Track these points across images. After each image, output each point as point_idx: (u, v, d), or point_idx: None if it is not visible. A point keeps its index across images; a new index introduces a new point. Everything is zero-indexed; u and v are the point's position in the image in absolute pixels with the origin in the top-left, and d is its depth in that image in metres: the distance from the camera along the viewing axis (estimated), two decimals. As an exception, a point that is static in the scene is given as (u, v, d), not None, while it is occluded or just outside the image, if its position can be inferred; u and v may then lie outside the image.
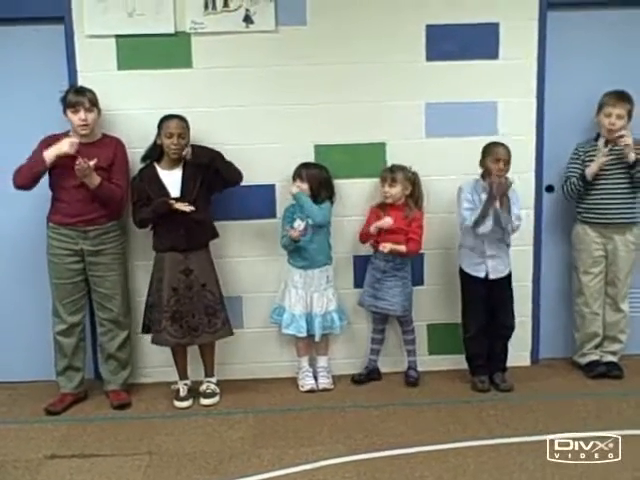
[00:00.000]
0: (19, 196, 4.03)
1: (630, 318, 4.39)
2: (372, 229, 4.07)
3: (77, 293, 3.99)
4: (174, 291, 3.93)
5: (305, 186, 4.06)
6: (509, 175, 3.96)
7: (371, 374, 4.34)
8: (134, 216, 3.98)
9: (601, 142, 4.13)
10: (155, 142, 3.95)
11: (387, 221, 4.05)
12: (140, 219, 3.96)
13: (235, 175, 3.97)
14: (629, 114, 4.09)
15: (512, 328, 4.18)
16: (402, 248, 4.05)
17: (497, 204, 3.88)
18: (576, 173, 4.17)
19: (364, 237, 4.17)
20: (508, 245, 4.10)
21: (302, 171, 4.08)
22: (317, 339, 4.18)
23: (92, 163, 3.73)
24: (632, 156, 4.05)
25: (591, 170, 4.10)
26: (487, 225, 3.93)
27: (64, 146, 3.76)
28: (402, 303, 4.16)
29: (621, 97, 4.10)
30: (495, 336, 4.19)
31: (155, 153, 3.96)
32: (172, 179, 3.93)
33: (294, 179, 4.09)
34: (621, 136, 4.03)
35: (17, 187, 3.85)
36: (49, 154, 3.77)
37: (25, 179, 3.82)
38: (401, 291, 4.15)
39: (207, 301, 3.99)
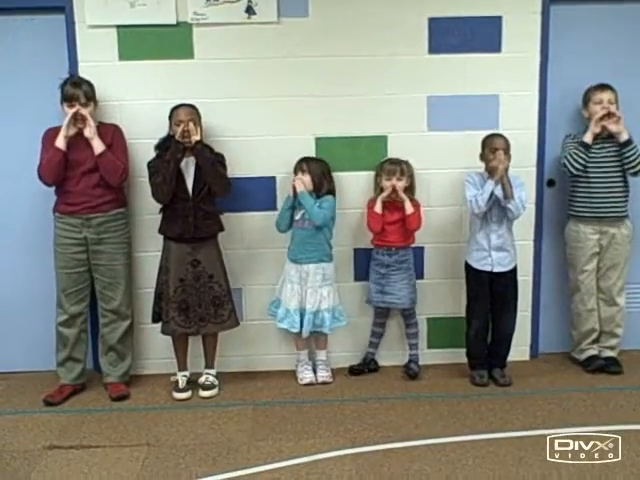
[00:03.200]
0: (24, 188, 4.06)
1: (628, 313, 4.38)
2: (384, 195, 4.06)
3: (81, 283, 4.00)
4: (181, 282, 3.95)
5: (307, 178, 4.05)
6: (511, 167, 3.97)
7: (368, 365, 4.35)
8: (153, 189, 3.91)
9: (595, 116, 4.09)
10: (169, 133, 3.94)
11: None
12: (157, 182, 3.87)
13: (219, 186, 3.93)
14: (617, 103, 4.10)
15: (513, 331, 4.18)
16: (410, 205, 4.04)
17: (499, 189, 3.90)
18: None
19: (373, 223, 4.12)
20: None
21: (303, 164, 4.07)
22: (304, 336, 4.17)
23: (93, 125, 3.83)
24: (624, 135, 4.06)
25: (588, 136, 4.08)
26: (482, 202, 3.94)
27: (67, 123, 3.80)
28: (409, 296, 4.17)
29: (605, 86, 4.11)
30: (498, 337, 4.19)
31: (169, 143, 3.90)
32: (187, 166, 3.92)
33: (295, 173, 4.08)
34: (612, 114, 4.04)
35: (47, 184, 3.91)
36: (59, 140, 3.81)
37: (50, 173, 3.85)
38: (407, 283, 4.16)
39: (214, 292, 3.99)
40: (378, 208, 4.09)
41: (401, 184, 4.07)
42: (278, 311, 4.17)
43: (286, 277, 4.16)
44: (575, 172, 4.14)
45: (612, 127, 4.06)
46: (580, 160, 4.10)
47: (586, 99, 4.17)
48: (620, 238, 4.21)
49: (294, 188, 4.05)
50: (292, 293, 4.12)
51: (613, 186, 4.15)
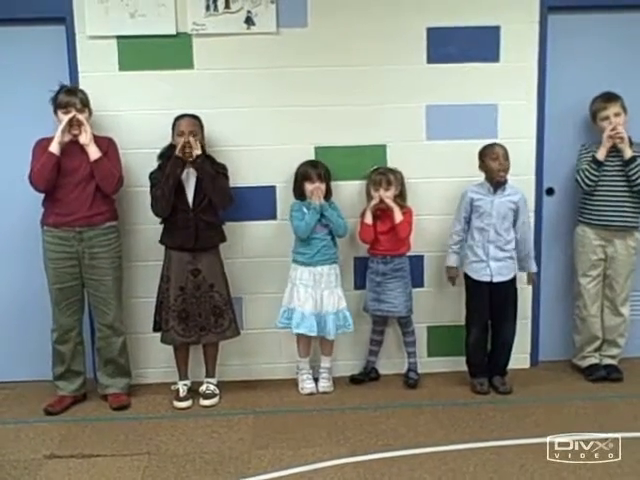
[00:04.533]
0: (14, 199, 4.05)
1: (632, 321, 4.39)
2: (371, 205, 4.09)
3: (73, 297, 3.96)
4: (181, 290, 3.95)
5: (324, 187, 4.06)
6: (509, 177, 4.03)
7: (369, 374, 4.35)
8: (152, 202, 3.92)
9: (605, 134, 4.12)
10: (171, 143, 3.94)
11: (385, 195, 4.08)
12: (156, 195, 3.88)
13: (219, 200, 3.94)
14: (624, 109, 4.12)
15: (512, 339, 4.18)
16: (399, 214, 4.05)
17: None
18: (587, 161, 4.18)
19: (364, 234, 4.15)
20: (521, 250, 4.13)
21: (320, 171, 4.06)
22: (332, 337, 4.14)
23: (89, 131, 3.80)
24: (628, 152, 4.08)
25: (601, 153, 4.09)
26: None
27: (62, 129, 3.77)
28: (405, 304, 4.17)
29: (610, 98, 4.13)
30: (498, 345, 4.19)
31: (171, 153, 3.90)
32: (188, 178, 3.92)
33: (309, 178, 4.07)
34: (616, 130, 4.06)
35: (39, 190, 3.83)
36: (53, 145, 3.77)
37: (43, 179, 3.78)
38: (403, 291, 4.16)
39: (214, 301, 4.00)
40: (368, 219, 4.11)
41: (389, 194, 4.08)
42: (293, 317, 4.10)
43: (297, 282, 4.11)
44: (587, 189, 4.17)
45: (617, 144, 4.09)
46: (592, 177, 4.12)
47: (592, 112, 4.19)
48: (624, 249, 4.22)
49: (310, 195, 4.05)
50: (306, 296, 4.08)
51: (620, 196, 4.15)
